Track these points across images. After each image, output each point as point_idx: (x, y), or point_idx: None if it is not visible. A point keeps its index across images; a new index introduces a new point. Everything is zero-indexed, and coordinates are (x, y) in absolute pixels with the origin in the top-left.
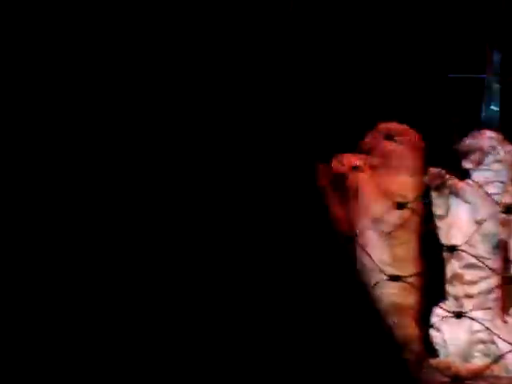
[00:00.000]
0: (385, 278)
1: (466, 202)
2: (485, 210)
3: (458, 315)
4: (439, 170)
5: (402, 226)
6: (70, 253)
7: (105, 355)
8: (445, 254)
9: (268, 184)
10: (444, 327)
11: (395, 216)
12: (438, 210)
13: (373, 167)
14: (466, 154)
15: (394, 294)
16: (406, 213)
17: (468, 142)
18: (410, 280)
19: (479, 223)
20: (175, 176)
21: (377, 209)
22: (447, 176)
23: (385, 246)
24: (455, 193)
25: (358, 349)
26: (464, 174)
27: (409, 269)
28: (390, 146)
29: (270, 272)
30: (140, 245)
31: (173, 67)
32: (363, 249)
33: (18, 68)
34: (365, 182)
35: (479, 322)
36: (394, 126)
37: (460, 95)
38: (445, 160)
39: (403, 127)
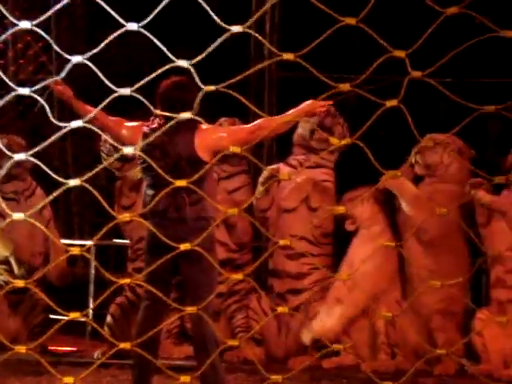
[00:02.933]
0: (428, 285)
1: (501, 212)
2: None
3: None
4: (479, 179)
5: (445, 234)
6: None
7: None
8: (489, 260)
9: None
10: (486, 332)
11: (437, 225)
12: (480, 217)
13: (418, 177)
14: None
15: (438, 302)
16: (448, 222)
17: None
18: (454, 288)
19: None
20: None
21: (419, 218)
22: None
23: (428, 255)
24: (487, 206)
25: None
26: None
27: (454, 276)
28: (435, 156)
29: None
30: None
31: None
32: (407, 257)
33: None
34: (407, 192)
35: None
36: (439, 136)
37: None
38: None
39: (449, 136)
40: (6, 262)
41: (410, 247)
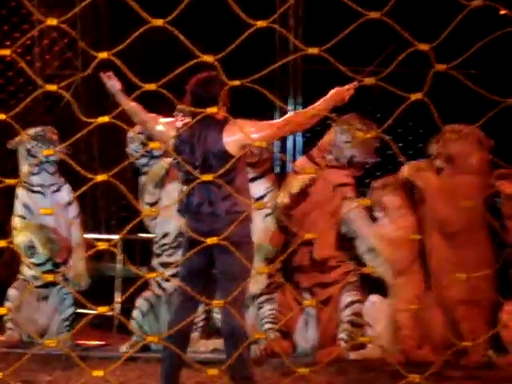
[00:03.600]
0: (454, 278)
1: None
2: None
3: None
4: (505, 170)
5: (468, 227)
6: None
7: None
8: None
9: None
10: None
11: (460, 217)
12: (506, 209)
13: (439, 169)
14: None
15: (461, 292)
16: (471, 214)
17: None
18: (478, 278)
19: None
20: None
21: (442, 210)
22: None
23: (451, 247)
24: (507, 197)
25: None
26: None
27: (477, 269)
28: (455, 147)
29: None
30: None
31: None
32: (429, 249)
33: None
34: (430, 184)
35: None
36: (459, 127)
37: None
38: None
39: (469, 127)
40: (34, 254)
41: (432, 239)
